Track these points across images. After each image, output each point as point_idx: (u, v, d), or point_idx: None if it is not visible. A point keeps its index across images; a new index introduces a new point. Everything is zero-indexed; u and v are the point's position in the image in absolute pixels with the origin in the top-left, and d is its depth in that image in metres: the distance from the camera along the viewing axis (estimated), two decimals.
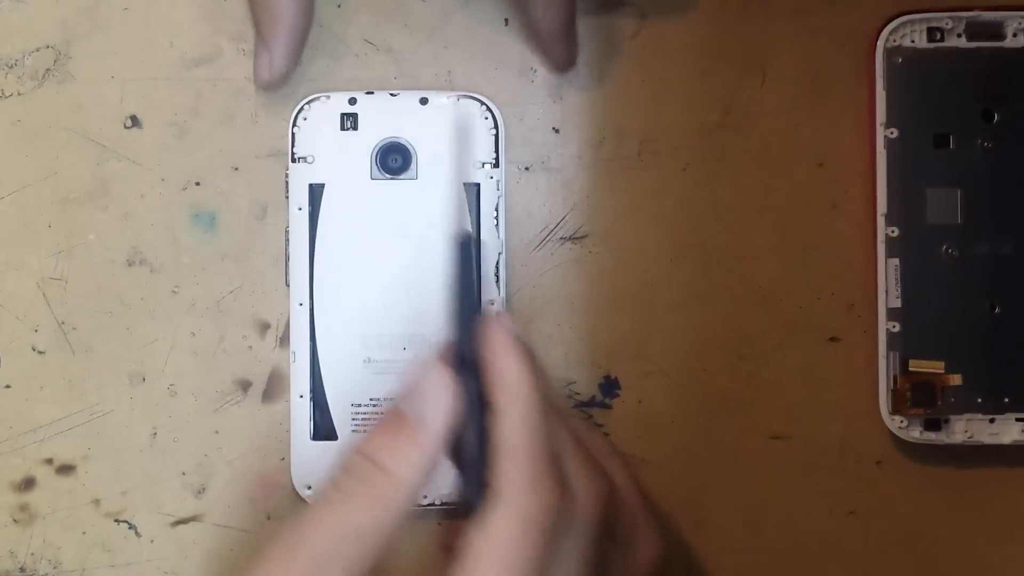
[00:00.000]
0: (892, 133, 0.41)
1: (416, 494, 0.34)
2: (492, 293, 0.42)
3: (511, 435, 0.34)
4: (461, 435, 0.35)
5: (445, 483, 0.41)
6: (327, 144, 0.42)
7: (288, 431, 0.42)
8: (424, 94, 0.42)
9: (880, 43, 0.41)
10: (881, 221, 0.41)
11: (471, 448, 0.35)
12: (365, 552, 0.33)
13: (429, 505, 0.41)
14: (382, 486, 0.34)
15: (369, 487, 0.34)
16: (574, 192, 0.43)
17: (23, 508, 0.43)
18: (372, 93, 0.42)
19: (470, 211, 0.42)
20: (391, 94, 0.42)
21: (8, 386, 0.43)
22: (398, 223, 0.42)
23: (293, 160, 0.42)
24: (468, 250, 0.36)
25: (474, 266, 0.37)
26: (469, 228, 0.38)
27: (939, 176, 0.41)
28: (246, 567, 0.34)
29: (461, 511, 0.35)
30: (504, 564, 0.33)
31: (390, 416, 0.35)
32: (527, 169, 0.43)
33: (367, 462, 0.34)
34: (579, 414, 0.43)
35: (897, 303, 0.41)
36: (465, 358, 0.35)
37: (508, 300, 0.43)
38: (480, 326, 0.35)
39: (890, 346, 0.41)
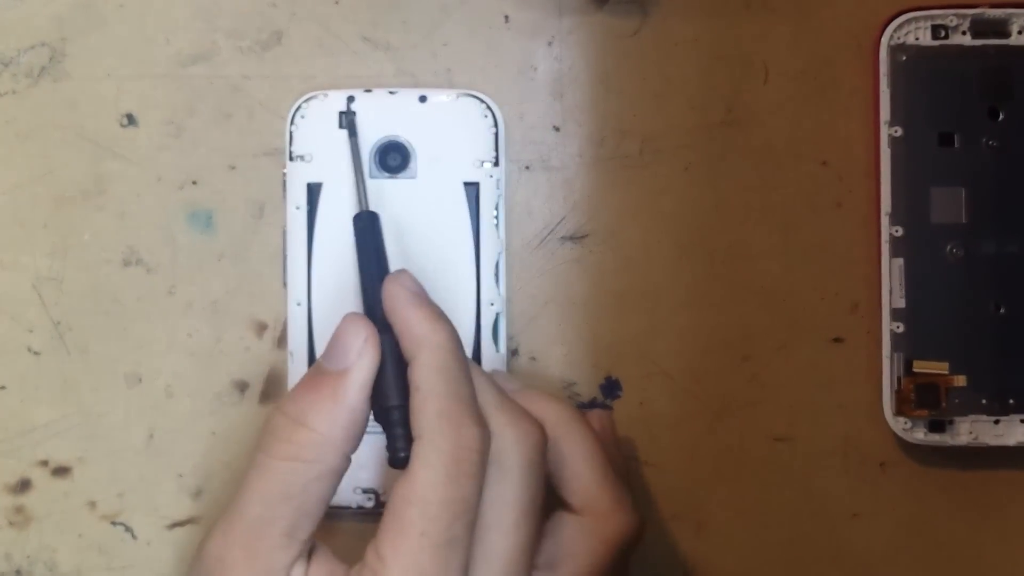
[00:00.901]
0: (896, 131, 0.41)
1: (345, 448, 0.34)
2: (492, 293, 0.41)
3: (424, 380, 0.34)
4: (384, 396, 0.35)
5: None
6: (325, 143, 0.42)
7: None
8: (423, 92, 0.42)
9: (884, 41, 0.41)
10: (885, 220, 0.41)
11: (395, 406, 0.34)
12: (301, 512, 0.33)
13: None
14: (304, 443, 0.33)
15: (292, 445, 0.33)
16: (575, 191, 0.43)
17: (18, 510, 0.43)
18: (370, 91, 0.42)
19: (470, 210, 0.41)
20: (390, 92, 0.42)
21: (3, 387, 0.43)
22: (397, 222, 0.41)
23: (291, 159, 0.42)
24: (366, 225, 0.38)
25: (377, 238, 0.38)
26: (368, 207, 0.38)
27: (944, 175, 0.41)
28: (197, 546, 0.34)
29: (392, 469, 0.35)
30: (428, 507, 0.32)
31: (311, 372, 0.35)
32: (527, 168, 0.43)
33: (288, 420, 0.34)
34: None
35: (901, 303, 0.41)
36: (379, 322, 0.35)
37: (508, 300, 0.42)
38: (383, 288, 0.36)
39: (894, 347, 0.41)
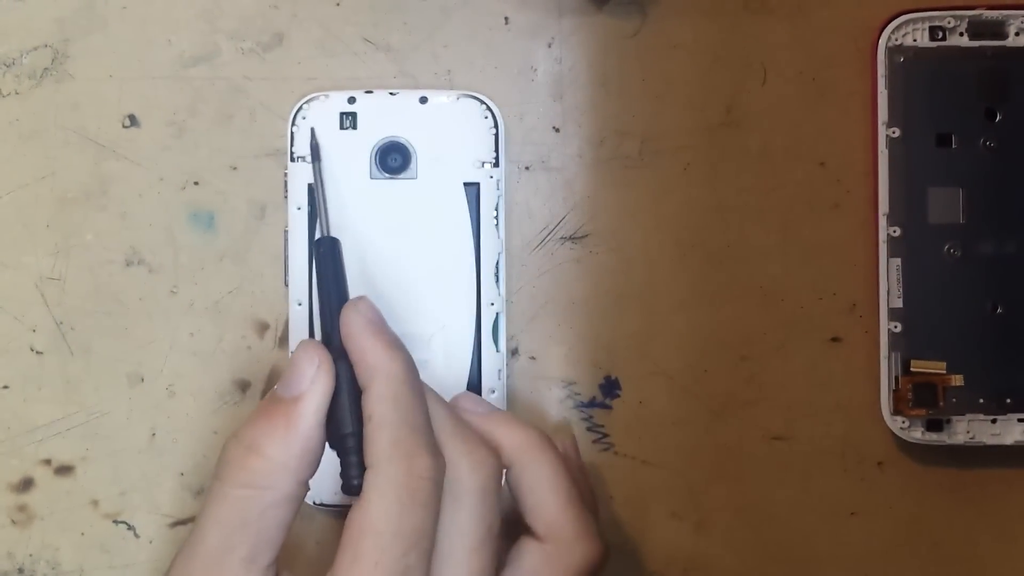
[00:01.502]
0: (894, 132, 0.41)
1: (300, 475, 0.34)
2: (492, 293, 0.42)
3: (377, 409, 0.34)
4: (339, 424, 0.34)
5: None
6: (326, 143, 0.42)
7: None
8: (424, 93, 0.42)
9: (882, 42, 0.41)
10: (883, 221, 0.41)
11: (349, 434, 0.34)
12: (260, 539, 0.33)
13: None
14: (258, 470, 0.33)
15: (246, 473, 0.33)
16: (574, 192, 0.43)
17: (21, 509, 0.43)
18: (371, 92, 0.42)
19: (470, 211, 0.42)
20: (390, 93, 0.42)
21: (6, 387, 0.43)
22: (397, 223, 0.42)
23: (292, 159, 0.42)
24: (327, 251, 0.37)
25: (338, 264, 0.37)
26: (329, 233, 0.38)
27: (941, 176, 0.41)
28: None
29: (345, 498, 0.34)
30: (381, 536, 0.32)
31: (266, 400, 0.35)
32: (527, 168, 0.43)
33: (241, 447, 0.34)
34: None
35: (899, 303, 0.41)
36: (336, 349, 0.35)
37: (508, 300, 0.42)
38: (340, 316, 0.35)
39: (892, 346, 0.41)
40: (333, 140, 0.42)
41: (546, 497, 0.36)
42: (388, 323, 0.36)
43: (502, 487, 0.36)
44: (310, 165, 0.41)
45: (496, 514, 0.35)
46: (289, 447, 0.34)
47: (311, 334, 0.41)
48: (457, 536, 0.34)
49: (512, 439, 0.37)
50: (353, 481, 0.34)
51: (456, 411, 0.36)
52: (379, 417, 0.34)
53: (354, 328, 0.35)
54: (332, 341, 0.36)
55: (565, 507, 0.36)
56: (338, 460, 0.35)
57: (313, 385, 0.34)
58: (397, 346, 0.35)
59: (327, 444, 0.35)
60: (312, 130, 0.41)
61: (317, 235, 0.39)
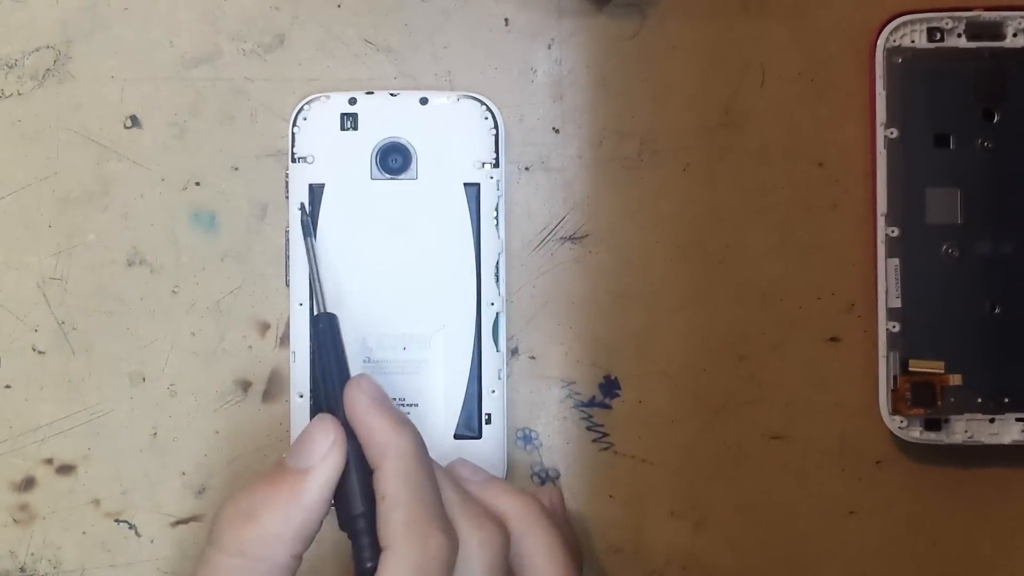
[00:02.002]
0: (892, 133, 0.41)
1: (295, 548, 0.33)
2: (492, 293, 0.42)
3: (390, 489, 0.34)
4: (349, 503, 0.35)
5: None
6: (327, 144, 0.42)
7: (288, 431, 0.42)
8: (424, 94, 0.42)
9: (880, 43, 0.41)
10: (881, 221, 0.41)
11: (361, 514, 0.34)
12: None
13: None
14: (252, 539, 0.33)
15: (240, 541, 0.33)
16: (574, 192, 0.43)
17: (23, 508, 0.43)
18: (372, 93, 0.42)
19: (470, 211, 0.42)
20: (391, 94, 0.42)
21: (8, 386, 0.43)
22: (398, 223, 0.42)
23: (293, 160, 0.42)
24: (325, 327, 0.38)
25: (336, 339, 0.38)
26: (325, 308, 0.39)
27: (939, 176, 0.41)
28: None
29: None
30: None
31: (272, 468, 0.35)
32: (527, 169, 0.43)
33: (238, 513, 0.33)
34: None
35: (897, 303, 0.41)
36: (342, 426, 0.35)
37: (508, 300, 0.43)
38: (344, 394, 0.36)
39: (890, 346, 0.41)
40: (334, 141, 0.42)
41: (542, 565, 0.37)
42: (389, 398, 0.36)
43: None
44: (309, 167, 0.42)
45: None
46: (289, 519, 0.33)
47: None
48: None
49: (511, 509, 0.37)
50: (367, 564, 0.34)
51: (457, 482, 0.37)
52: (392, 497, 0.34)
53: (359, 406, 0.35)
54: (335, 417, 0.36)
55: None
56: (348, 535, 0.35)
57: (324, 460, 0.34)
58: (404, 422, 0.35)
59: (338, 525, 0.35)
60: (303, 206, 0.41)
61: (315, 311, 0.39)
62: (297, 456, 0.34)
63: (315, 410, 0.41)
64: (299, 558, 0.34)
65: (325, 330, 0.38)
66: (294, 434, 0.42)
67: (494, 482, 0.39)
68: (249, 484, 0.34)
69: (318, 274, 0.40)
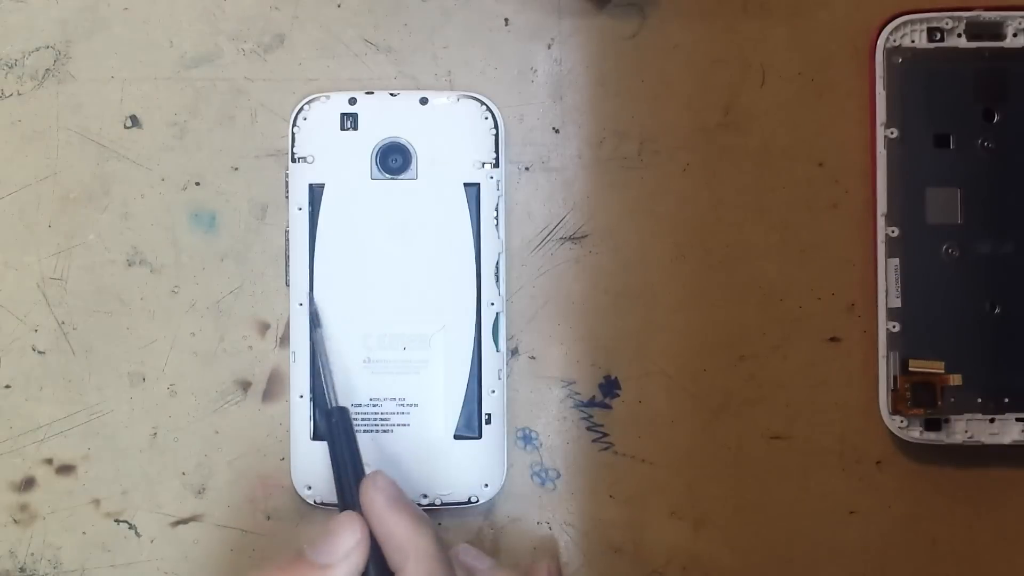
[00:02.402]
0: (892, 133, 0.41)
1: None
2: (492, 293, 0.42)
3: None
4: None
5: (444, 483, 0.41)
6: (327, 144, 0.42)
7: (288, 431, 0.42)
8: (424, 94, 0.42)
9: (880, 43, 0.41)
10: (881, 221, 0.41)
11: None
12: None
13: (429, 505, 0.41)
14: None
15: None
16: (574, 192, 0.43)
17: (23, 508, 0.43)
18: (372, 93, 0.42)
19: (470, 211, 0.42)
20: (391, 94, 0.42)
21: (8, 386, 0.43)
22: (398, 223, 0.42)
23: (293, 160, 0.42)
24: (338, 421, 0.38)
25: (349, 433, 0.38)
26: (337, 402, 0.39)
27: (939, 176, 0.41)
28: None
29: None
30: None
31: (292, 557, 0.35)
32: (527, 169, 0.43)
33: None
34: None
35: (897, 303, 0.41)
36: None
37: (508, 300, 0.43)
38: (360, 493, 0.36)
39: (890, 346, 0.41)
40: (334, 141, 0.42)
41: None
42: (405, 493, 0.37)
43: None
44: (309, 167, 0.42)
45: None
46: None
47: (312, 334, 0.41)
48: None
49: (400, 539, 0.37)
50: None
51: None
52: None
53: (376, 506, 0.35)
54: (344, 505, 0.36)
55: None
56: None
57: (347, 559, 0.34)
58: (423, 521, 0.35)
59: None
60: (311, 297, 0.41)
61: (328, 404, 0.39)
62: (319, 551, 0.34)
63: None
64: None
65: (339, 425, 0.38)
66: (294, 434, 0.42)
67: (499, 571, 0.39)
68: (265, 571, 0.34)
69: (328, 367, 0.40)
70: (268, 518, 0.43)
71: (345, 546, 0.34)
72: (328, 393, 0.39)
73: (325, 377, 0.40)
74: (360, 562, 0.34)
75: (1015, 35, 0.41)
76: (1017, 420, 0.41)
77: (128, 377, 0.43)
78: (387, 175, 0.42)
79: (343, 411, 0.39)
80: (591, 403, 0.43)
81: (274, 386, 0.43)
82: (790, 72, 0.43)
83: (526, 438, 0.43)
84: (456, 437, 0.41)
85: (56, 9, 0.43)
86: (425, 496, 0.41)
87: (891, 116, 0.41)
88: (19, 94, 0.43)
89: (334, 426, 0.38)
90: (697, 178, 0.43)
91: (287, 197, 0.42)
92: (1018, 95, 0.41)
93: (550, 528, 0.43)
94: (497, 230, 0.42)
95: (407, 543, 0.34)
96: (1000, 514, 0.43)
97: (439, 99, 0.42)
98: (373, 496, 0.36)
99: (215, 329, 0.43)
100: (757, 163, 0.43)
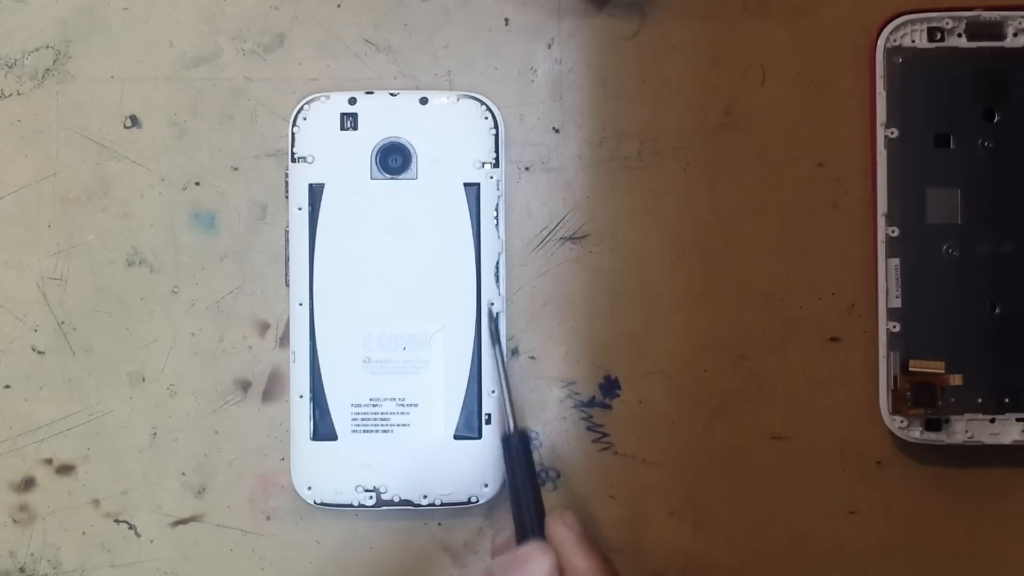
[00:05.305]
0: (892, 133, 0.41)
1: None
2: (492, 293, 0.42)
3: None
4: None
5: (444, 483, 0.41)
6: (327, 144, 0.42)
7: (288, 431, 0.42)
8: (424, 94, 0.42)
9: (880, 43, 0.41)
10: (881, 221, 0.41)
11: None
12: None
13: (429, 505, 0.41)
14: None
15: None
16: (574, 192, 0.43)
17: (23, 508, 0.43)
18: (372, 93, 0.42)
19: (470, 211, 0.42)
20: (391, 94, 0.42)
21: (8, 386, 0.43)
22: (398, 223, 0.42)
23: (293, 160, 0.42)
24: (518, 446, 0.38)
25: (528, 458, 0.38)
26: (517, 426, 0.39)
27: (939, 176, 0.41)
28: None
29: None
30: None
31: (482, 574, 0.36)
32: (527, 169, 0.43)
33: None
34: None
35: (897, 303, 0.41)
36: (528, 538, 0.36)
37: (508, 300, 0.42)
38: (548, 526, 0.36)
39: (890, 346, 0.41)
40: (334, 141, 0.42)
41: None
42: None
43: None
44: (309, 167, 0.42)
45: None
46: None
47: (312, 334, 0.41)
48: None
49: None
50: None
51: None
52: None
53: (568, 543, 0.36)
54: (526, 534, 0.37)
55: None
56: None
57: None
58: (609, 562, 0.36)
59: None
60: (491, 313, 0.41)
61: (507, 430, 0.39)
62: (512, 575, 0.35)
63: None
64: None
65: (519, 450, 0.38)
66: (294, 434, 0.42)
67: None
68: None
69: (510, 390, 0.40)
70: (268, 518, 0.43)
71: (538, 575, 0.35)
72: (508, 417, 0.39)
73: (505, 398, 0.40)
74: None
75: (1015, 35, 0.41)
76: (1017, 420, 0.41)
77: (128, 377, 0.43)
78: (387, 175, 0.42)
79: (524, 436, 0.39)
80: (591, 403, 0.43)
81: (274, 386, 0.43)
82: (790, 72, 0.43)
83: None
84: (456, 437, 0.41)
85: (56, 9, 0.43)
86: (425, 496, 0.41)
87: (891, 116, 0.41)
88: (19, 94, 0.43)
89: (515, 452, 0.38)
90: (697, 178, 0.43)
91: (287, 197, 0.42)
92: (1018, 95, 0.41)
93: None
94: (497, 230, 0.42)
95: None
96: (1000, 513, 0.43)
97: (439, 99, 0.42)
98: (564, 531, 0.36)
99: (215, 329, 0.43)
100: (757, 163, 0.43)
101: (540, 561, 0.35)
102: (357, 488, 0.41)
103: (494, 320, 0.41)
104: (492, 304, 0.41)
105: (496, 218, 0.42)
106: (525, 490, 0.38)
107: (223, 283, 0.43)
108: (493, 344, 0.41)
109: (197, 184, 0.43)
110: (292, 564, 0.43)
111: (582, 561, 0.36)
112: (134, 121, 0.43)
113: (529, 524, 0.37)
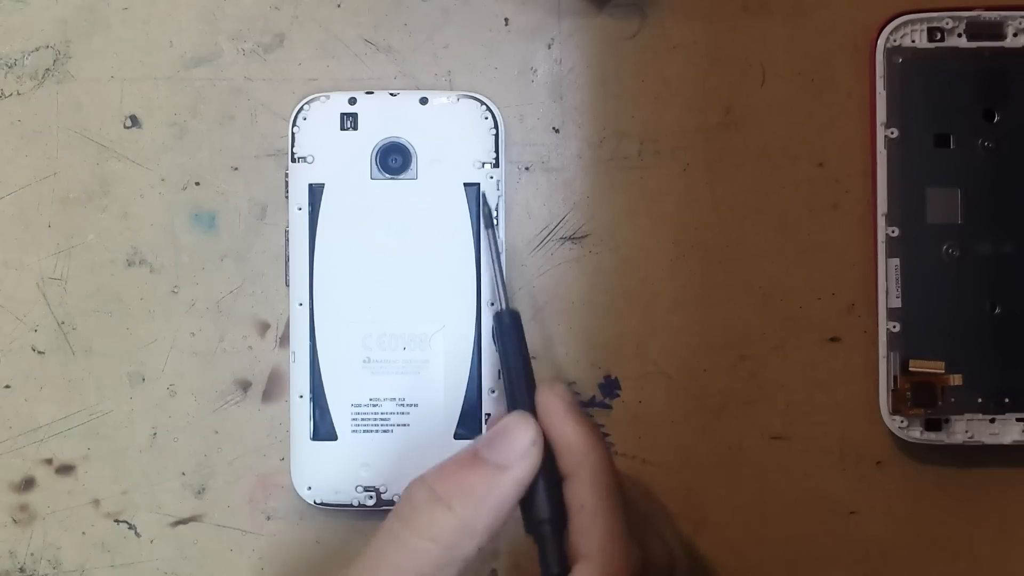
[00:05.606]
0: (892, 133, 0.41)
1: (482, 541, 0.33)
2: (492, 293, 0.42)
3: (588, 498, 0.34)
4: (538, 506, 0.34)
5: None
6: (327, 144, 0.42)
7: (288, 431, 0.42)
8: (424, 94, 0.42)
9: (880, 43, 0.41)
10: (881, 221, 0.41)
11: (550, 518, 0.34)
12: None
13: None
14: (446, 526, 0.33)
15: (433, 526, 0.33)
16: (574, 192, 0.43)
17: (23, 508, 0.43)
18: (372, 93, 0.42)
19: (470, 211, 0.42)
20: (391, 94, 0.42)
21: (8, 386, 0.43)
22: (398, 223, 0.42)
23: (293, 160, 0.42)
24: (509, 324, 0.37)
25: (519, 337, 0.37)
26: (509, 305, 0.38)
27: (940, 176, 0.41)
28: None
29: None
30: None
31: (466, 456, 0.34)
32: (527, 169, 0.43)
33: (433, 497, 0.33)
34: (635, 480, 0.42)
35: (897, 303, 0.41)
36: None
37: (508, 300, 0.42)
38: (537, 397, 0.35)
39: (890, 346, 0.41)
40: (334, 141, 0.42)
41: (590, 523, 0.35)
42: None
43: None
44: (309, 167, 0.42)
45: None
46: (480, 512, 0.33)
47: (311, 334, 0.41)
48: None
49: (579, 446, 0.35)
50: (553, 570, 0.34)
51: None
52: (592, 507, 0.33)
53: (555, 412, 0.35)
54: (516, 407, 0.36)
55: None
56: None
57: (523, 460, 0.34)
58: (599, 434, 0.35)
59: (524, 527, 0.35)
60: (483, 194, 0.41)
61: (496, 307, 0.39)
62: (495, 450, 0.34)
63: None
64: (481, 551, 0.33)
65: (510, 327, 0.37)
66: (294, 434, 0.42)
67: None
68: (440, 467, 0.34)
69: (501, 268, 0.39)
70: (268, 518, 0.43)
71: (521, 446, 0.34)
72: (500, 295, 0.38)
73: (496, 278, 0.39)
74: (536, 463, 0.34)
75: (1015, 35, 0.41)
76: (1017, 420, 0.41)
77: (128, 377, 0.43)
78: (387, 175, 0.42)
79: (515, 315, 0.37)
80: (591, 403, 0.43)
81: (274, 386, 0.43)
82: (790, 72, 0.43)
83: None
84: (456, 437, 0.41)
85: (56, 9, 0.43)
86: None
87: (891, 116, 0.41)
88: (19, 94, 0.43)
89: (506, 329, 0.37)
90: (697, 178, 0.43)
91: (287, 197, 0.42)
92: (1018, 95, 0.41)
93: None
94: (497, 230, 0.42)
95: (584, 451, 0.34)
96: (1000, 513, 0.43)
97: (439, 99, 0.42)
98: (552, 401, 0.35)
99: (215, 329, 0.43)
100: (757, 163, 0.43)
101: (521, 430, 0.34)
102: (357, 488, 0.41)
103: (485, 203, 0.41)
104: (482, 187, 0.41)
105: (496, 218, 0.42)
106: (516, 366, 0.36)
107: (223, 283, 0.43)
108: (485, 227, 0.40)
109: (197, 184, 0.43)
110: (292, 564, 0.43)
111: (569, 428, 0.34)
112: (134, 121, 0.43)
113: (519, 398, 0.36)
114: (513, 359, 0.37)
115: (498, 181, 0.42)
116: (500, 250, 0.40)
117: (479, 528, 0.33)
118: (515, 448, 0.34)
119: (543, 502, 0.34)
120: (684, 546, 0.38)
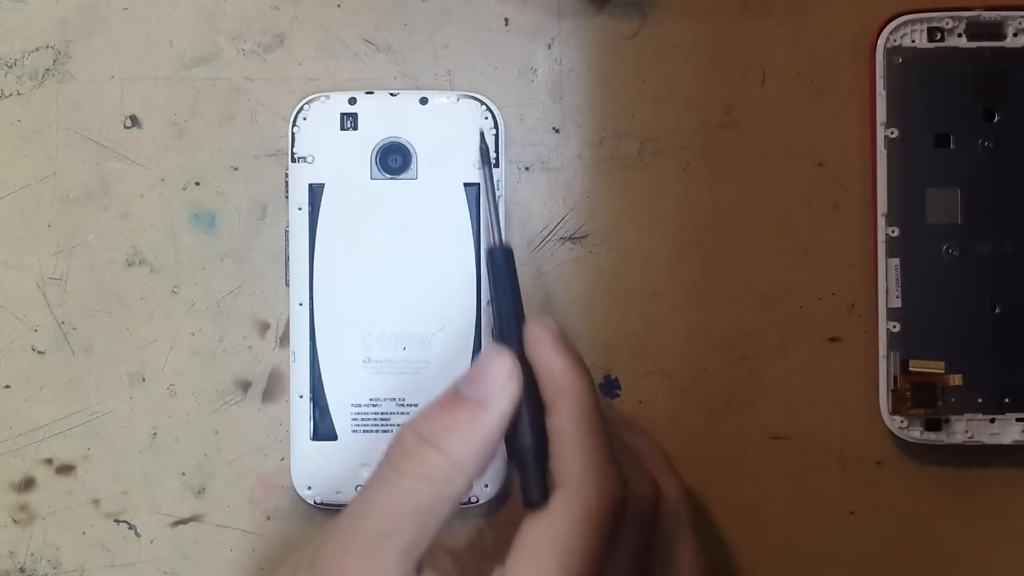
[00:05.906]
0: (892, 133, 0.41)
1: (472, 477, 0.33)
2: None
3: (568, 427, 0.34)
4: (520, 436, 0.34)
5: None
6: (327, 144, 0.42)
7: (288, 431, 0.42)
8: (424, 94, 0.42)
9: (880, 43, 0.41)
10: (881, 221, 0.41)
11: (531, 447, 0.34)
12: (422, 531, 0.33)
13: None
14: (435, 466, 0.33)
15: (422, 466, 0.33)
16: (574, 192, 0.43)
17: (23, 508, 0.43)
18: (372, 93, 0.42)
19: (470, 211, 0.42)
20: (391, 94, 0.42)
21: (8, 386, 0.43)
22: (398, 223, 0.42)
23: (293, 160, 0.42)
24: (501, 260, 0.37)
25: (512, 274, 0.37)
26: (501, 240, 0.38)
27: (939, 176, 0.41)
28: (307, 544, 0.34)
29: (524, 510, 0.34)
30: (564, 554, 0.32)
31: (448, 396, 0.34)
32: (527, 169, 0.43)
33: (419, 439, 0.33)
34: (629, 420, 0.42)
35: (897, 303, 0.41)
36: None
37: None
38: (525, 330, 0.35)
39: (890, 346, 0.41)
40: (334, 141, 0.42)
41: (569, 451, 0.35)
42: None
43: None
44: (309, 167, 0.42)
45: (648, 545, 0.35)
46: (469, 449, 0.33)
47: (312, 334, 0.41)
48: (620, 563, 0.34)
49: (562, 376, 0.35)
50: (534, 496, 0.34)
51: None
52: (571, 436, 0.34)
53: (542, 343, 0.35)
54: (505, 341, 0.36)
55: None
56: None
57: (502, 393, 0.34)
58: (583, 364, 0.35)
59: (507, 456, 0.35)
60: (482, 133, 0.41)
61: (488, 243, 0.38)
62: (475, 386, 0.34)
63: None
64: (471, 487, 0.34)
65: (502, 264, 0.37)
66: (294, 434, 0.42)
67: (646, 435, 0.38)
68: (425, 410, 0.34)
69: (496, 205, 0.39)
70: (268, 518, 0.43)
71: (499, 379, 0.34)
72: (493, 231, 0.38)
73: (491, 215, 0.39)
74: (515, 394, 0.34)
75: (1015, 35, 0.41)
76: (1017, 420, 0.41)
77: (128, 377, 0.43)
78: (387, 175, 0.42)
79: (508, 251, 0.37)
80: None
81: (274, 386, 0.43)
82: (790, 72, 0.43)
83: None
84: None
85: (56, 9, 0.43)
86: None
87: (891, 116, 0.41)
88: (19, 94, 0.43)
89: (497, 265, 0.37)
90: (697, 178, 0.43)
91: (287, 197, 0.42)
92: (1018, 95, 0.41)
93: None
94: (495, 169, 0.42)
95: (567, 382, 0.34)
96: (1001, 514, 0.43)
97: (439, 99, 0.42)
98: (539, 334, 0.35)
99: (215, 329, 0.43)
100: (757, 163, 0.43)
101: (498, 363, 0.34)
102: (357, 488, 0.41)
103: (483, 141, 0.41)
104: (481, 132, 0.41)
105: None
106: (506, 302, 0.37)
107: (223, 283, 0.43)
108: (483, 164, 0.40)
109: (197, 184, 0.43)
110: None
111: (556, 359, 0.34)
112: (134, 121, 0.43)
113: (508, 332, 0.36)
114: (503, 294, 0.37)
115: (498, 181, 0.42)
116: (498, 190, 0.41)
117: (468, 465, 0.33)
118: (493, 382, 0.34)
119: (525, 431, 0.34)
120: (678, 485, 0.38)
